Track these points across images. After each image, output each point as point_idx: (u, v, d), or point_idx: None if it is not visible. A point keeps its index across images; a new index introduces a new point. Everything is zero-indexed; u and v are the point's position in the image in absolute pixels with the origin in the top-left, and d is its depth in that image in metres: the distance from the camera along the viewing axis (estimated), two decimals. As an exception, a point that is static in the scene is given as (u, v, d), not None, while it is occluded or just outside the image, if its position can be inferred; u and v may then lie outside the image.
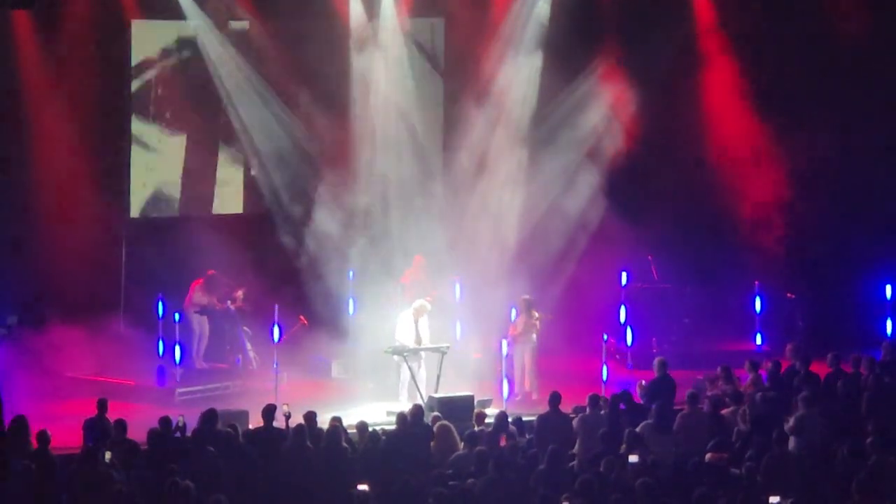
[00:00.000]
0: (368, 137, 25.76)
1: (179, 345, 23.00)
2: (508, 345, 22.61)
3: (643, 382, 20.27)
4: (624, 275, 25.44)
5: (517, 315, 23.08)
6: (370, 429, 17.87)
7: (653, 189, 26.33)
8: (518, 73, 25.87)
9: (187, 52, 25.15)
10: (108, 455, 16.12)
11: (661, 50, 25.77)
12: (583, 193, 25.53)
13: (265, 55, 25.38)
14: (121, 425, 17.17)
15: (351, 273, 24.32)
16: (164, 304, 23.18)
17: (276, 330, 22.33)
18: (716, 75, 26.75)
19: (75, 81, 24.18)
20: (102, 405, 18.01)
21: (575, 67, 25.85)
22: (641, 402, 19.43)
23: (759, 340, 25.93)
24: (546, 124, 25.96)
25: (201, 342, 24.06)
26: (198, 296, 23.88)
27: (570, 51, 25.61)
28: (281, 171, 25.76)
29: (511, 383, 22.57)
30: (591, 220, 25.54)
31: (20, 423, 16.88)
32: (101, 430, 17.46)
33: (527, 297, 23.07)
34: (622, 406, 18.75)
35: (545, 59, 25.85)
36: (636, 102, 25.92)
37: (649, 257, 26.18)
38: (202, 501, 14.62)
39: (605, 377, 22.19)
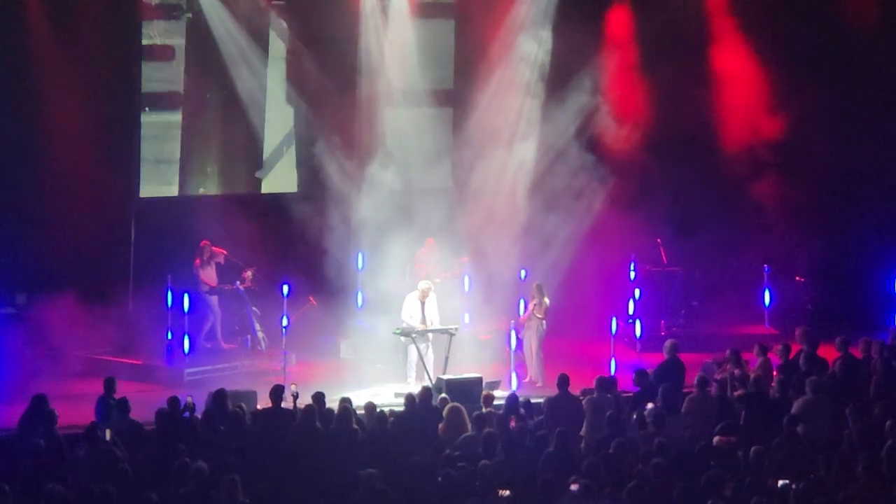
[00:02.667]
0: (380, 116, 25.76)
1: (188, 328, 23.01)
2: (517, 329, 22.59)
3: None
4: (633, 258, 25.42)
5: (528, 300, 23.03)
6: (378, 410, 17.88)
7: (662, 172, 26.22)
8: (528, 51, 25.86)
9: (198, 31, 25.11)
10: (108, 433, 16.11)
11: (671, 28, 25.71)
12: (592, 176, 25.49)
13: (277, 38, 25.40)
14: (123, 405, 17.19)
15: (361, 254, 24.34)
16: (172, 284, 23.18)
17: (284, 310, 22.35)
18: (726, 56, 26.64)
19: (86, 61, 24.14)
20: (109, 384, 18.03)
21: (584, 47, 25.78)
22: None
23: (767, 324, 25.90)
24: (556, 104, 25.90)
25: (209, 323, 23.99)
26: (202, 273, 23.75)
27: (580, 29, 25.52)
28: (291, 150, 25.77)
29: (522, 366, 22.57)
30: (600, 203, 25.51)
31: (41, 402, 16.94)
32: (106, 409, 17.48)
33: (539, 282, 23.02)
34: (637, 388, 18.81)
35: (555, 36, 25.84)
36: (646, 85, 25.91)
37: (658, 240, 26.16)
38: (216, 480, 14.61)
39: (613, 359, 22.19)
